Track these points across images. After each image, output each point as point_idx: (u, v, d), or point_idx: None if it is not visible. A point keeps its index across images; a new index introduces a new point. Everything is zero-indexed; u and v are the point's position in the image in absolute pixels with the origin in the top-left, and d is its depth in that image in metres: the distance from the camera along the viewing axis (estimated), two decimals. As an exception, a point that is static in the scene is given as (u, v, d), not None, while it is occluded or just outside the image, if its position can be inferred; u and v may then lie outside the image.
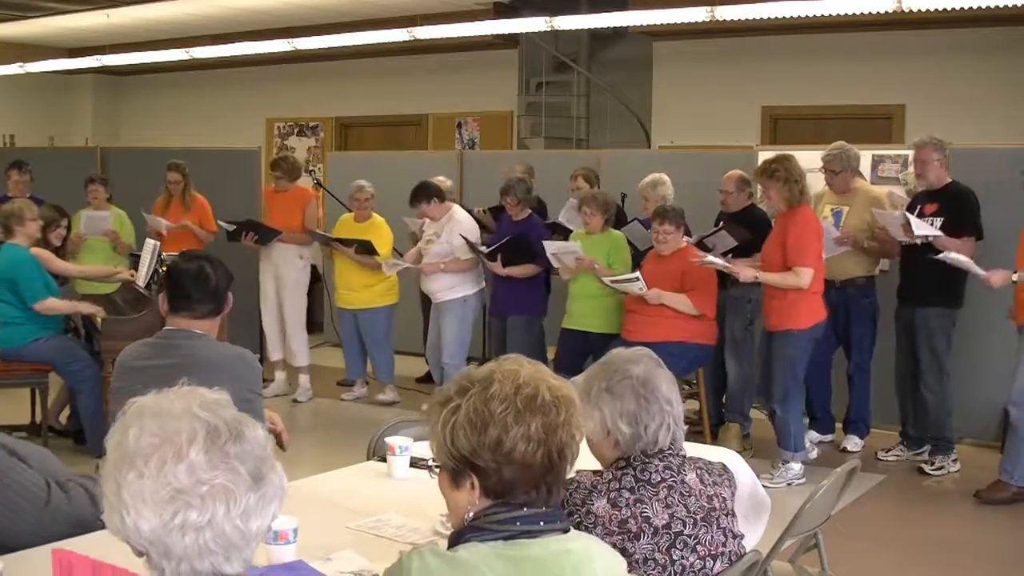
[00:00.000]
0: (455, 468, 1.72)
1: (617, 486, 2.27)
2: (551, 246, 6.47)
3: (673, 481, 2.29)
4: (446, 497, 1.78)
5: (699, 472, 2.34)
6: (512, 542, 1.67)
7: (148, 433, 1.35)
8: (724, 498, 2.35)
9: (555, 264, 6.50)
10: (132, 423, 1.37)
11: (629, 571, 2.15)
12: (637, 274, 5.93)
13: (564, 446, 1.72)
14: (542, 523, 1.70)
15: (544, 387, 1.72)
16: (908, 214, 5.61)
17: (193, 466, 1.33)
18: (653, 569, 2.24)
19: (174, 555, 1.33)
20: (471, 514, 1.71)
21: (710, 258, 5.68)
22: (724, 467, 2.43)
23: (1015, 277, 5.18)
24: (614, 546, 2.20)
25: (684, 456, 2.35)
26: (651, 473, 2.29)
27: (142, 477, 1.32)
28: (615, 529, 2.24)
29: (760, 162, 5.74)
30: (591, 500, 2.25)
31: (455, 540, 1.71)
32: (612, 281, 6.04)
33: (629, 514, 2.24)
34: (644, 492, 2.27)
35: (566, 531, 1.75)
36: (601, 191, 6.70)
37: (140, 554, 1.37)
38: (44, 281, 5.78)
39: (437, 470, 1.77)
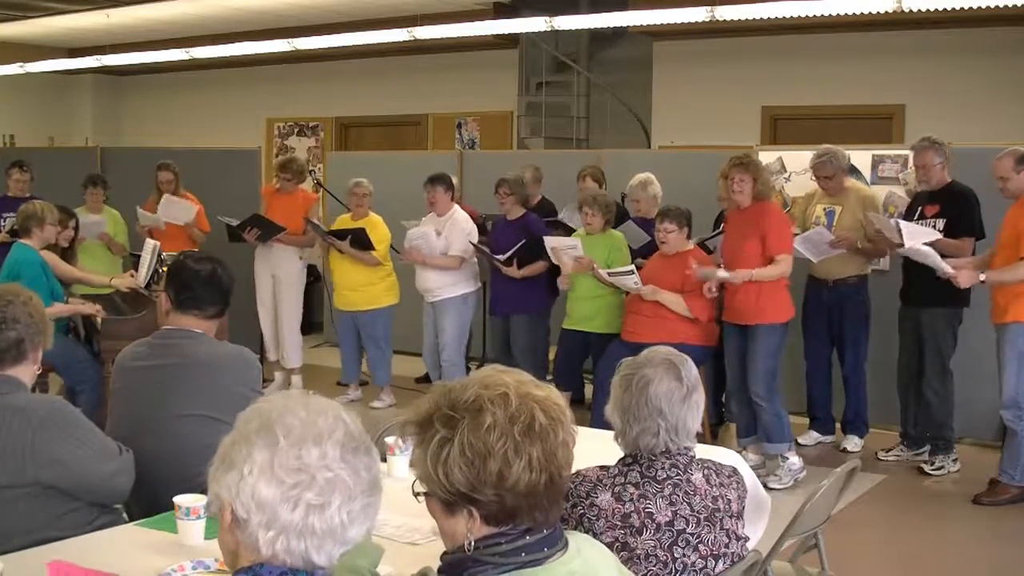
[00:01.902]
0: (449, 500, 1.64)
1: (622, 481, 2.30)
2: (551, 241, 6.47)
3: (679, 479, 2.31)
4: (439, 522, 1.70)
5: (706, 472, 2.35)
6: (517, 573, 1.62)
7: (295, 416, 1.43)
8: (730, 500, 2.36)
9: (553, 260, 6.49)
10: (278, 405, 1.45)
11: (630, 567, 2.16)
12: (632, 267, 5.94)
13: (563, 462, 1.67)
14: (546, 549, 1.65)
15: (537, 410, 1.64)
16: (902, 222, 5.62)
17: (326, 453, 1.40)
18: (654, 565, 2.25)
19: (277, 525, 1.38)
20: (471, 541, 1.64)
21: (708, 271, 5.67)
22: (734, 470, 2.44)
23: (982, 277, 5.20)
24: (616, 540, 2.23)
25: (692, 456, 2.36)
26: (657, 470, 2.31)
27: (277, 444, 1.40)
28: (618, 523, 2.26)
29: (763, 162, 5.78)
30: (595, 493, 2.27)
31: (453, 570, 1.65)
32: (610, 274, 6.05)
33: (632, 509, 2.26)
34: (649, 488, 2.28)
35: (566, 546, 1.71)
36: (603, 192, 6.71)
37: (235, 520, 1.40)
38: (50, 288, 5.75)
39: (423, 496, 1.68)
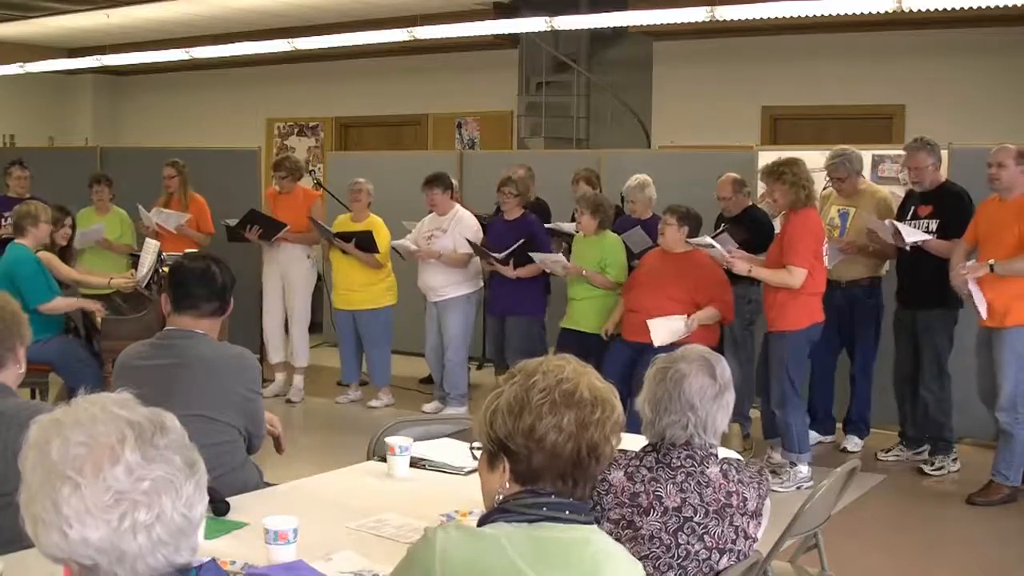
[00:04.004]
0: (492, 451, 1.80)
1: (637, 463, 2.36)
2: (537, 256, 6.50)
3: (692, 470, 2.35)
4: (482, 479, 1.85)
5: (725, 468, 2.39)
6: (536, 524, 1.72)
7: (74, 443, 1.30)
8: (746, 498, 2.38)
9: (545, 270, 6.49)
10: (51, 437, 1.31)
11: (634, 545, 2.21)
12: (680, 318, 5.74)
13: (596, 444, 1.76)
14: (568, 512, 1.75)
15: (584, 384, 1.78)
16: (897, 223, 5.62)
17: (130, 465, 1.29)
18: (658, 547, 2.30)
19: (128, 557, 1.29)
20: (501, 497, 1.77)
21: (707, 240, 5.64)
22: (761, 470, 2.48)
23: (993, 267, 5.18)
24: (623, 517, 2.30)
25: (713, 453, 2.40)
26: (672, 459, 2.36)
27: (79, 487, 1.27)
28: (626, 500, 2.31)
29: (763, 162, 5.74)
30: (608, 470, 2.33)
31: (483, 521, 1.77)
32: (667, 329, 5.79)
33: (642, 489, 2.31)
34: (661, 473, 2.34)
35: (590, 523, 1.79)
36: (594, 192, 6.70)
37: (85, 569, 1.30)
38: (47, 283, 5.78)
39: (478, 452, 1.85)
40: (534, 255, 6.53)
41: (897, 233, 5.59)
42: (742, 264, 5.47)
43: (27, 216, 5.89)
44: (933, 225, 5.67)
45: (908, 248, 5.61)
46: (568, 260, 6.48)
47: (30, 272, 5.71)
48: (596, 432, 1.76)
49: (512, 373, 1.83)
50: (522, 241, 6.67)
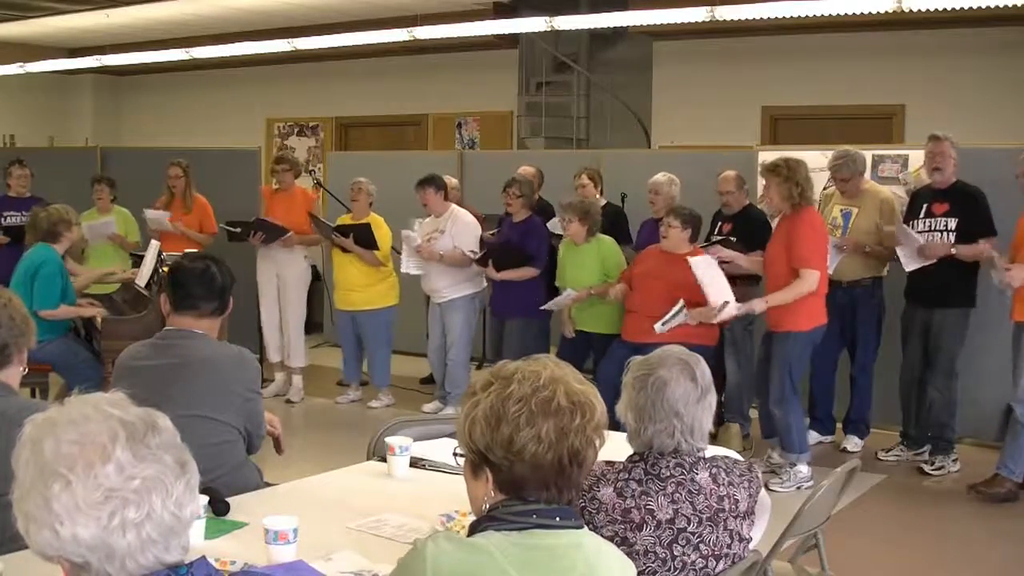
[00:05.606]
0: (473, 460, 1.78)
1: (626, 477, 2.31)
2: (549, 306, 6.50)
3: (683, 479, 2.31)
4: (467, 486, 1.83)
5: (714, 472, 2.35)
6: (527, 532, 1.71)
7: (66, 441, 1.31)
8: (737, 500, 2.35)
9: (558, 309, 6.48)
10: (44, 436, 1.33)
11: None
12: (680, 303, 5.63)
13: (577, 450, 1.74)
14: (558, 518, 1.74)
15: (562, 391, 1.75)
16: (926, 247, 5.61)
17: (121, 463, 1.30)
18: (653, 562, 2.27)
19: (117, 555, 1.30)
20: (487, 506, 1.76)
21: (722, 313, 5.49)
22: (750, 466, 2.45)
23: None
24: (616, 534, 2.26)
25: (701, 456, 2.36)
26: (661, 469, 2.32)
27: (70, 485, 1.29)
28: (618, 517, 2.27)
29: (763, 162, 5.73)
30: (598, 487, 2.29)
31: (473, 529, 1.76)
32: (664, 324, 5.67)
33: (633, 504, 2.27)
34: (651, 485, 2.29)
35: (580, 527, 1.78)
36: (581, 199, 6.66)
37: (76, 567, 1.32)
38: (63, 289, 5.80)
39: (461, 458, 1.83)
40: (545, 307, 6.53)
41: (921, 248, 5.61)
42: (758, 304, 5.43)
43: (62, 222, 5.93)
44: (951, 224, 5.66)
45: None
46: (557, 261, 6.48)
47: (51, 275, 5.74)
48: (577, 439, 1.74)
49: (489, 380, 1.79)
50: (492, 247, 6.70)
